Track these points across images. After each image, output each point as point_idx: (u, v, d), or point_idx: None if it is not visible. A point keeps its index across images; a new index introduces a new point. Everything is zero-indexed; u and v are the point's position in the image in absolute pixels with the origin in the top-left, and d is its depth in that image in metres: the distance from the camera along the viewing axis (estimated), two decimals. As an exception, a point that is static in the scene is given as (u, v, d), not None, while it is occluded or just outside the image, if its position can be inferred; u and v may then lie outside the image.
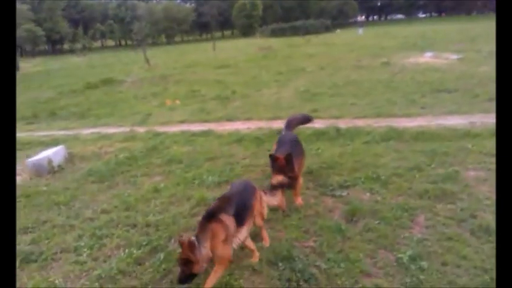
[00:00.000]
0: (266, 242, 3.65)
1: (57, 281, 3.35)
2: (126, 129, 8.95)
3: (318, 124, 7.77)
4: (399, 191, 4.54)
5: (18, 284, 3.39)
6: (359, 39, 31.23)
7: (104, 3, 79.74)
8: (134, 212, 4.59)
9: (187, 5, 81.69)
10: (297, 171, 4.19)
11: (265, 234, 3.69)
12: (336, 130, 7.02)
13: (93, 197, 5.19)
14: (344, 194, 4.63)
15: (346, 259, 3.38)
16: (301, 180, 4.47)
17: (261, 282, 3.20)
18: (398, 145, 6.11)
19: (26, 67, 35.41)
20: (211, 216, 2.96)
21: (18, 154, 7.44)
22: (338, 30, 51.01)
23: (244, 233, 3.23)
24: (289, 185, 4.07)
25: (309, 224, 4.01)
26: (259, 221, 3.51)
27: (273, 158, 4.02)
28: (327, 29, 54.06)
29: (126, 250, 3.77)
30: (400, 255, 3.36)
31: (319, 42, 31.46)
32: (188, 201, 4.77)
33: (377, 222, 3.93)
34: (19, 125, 10.64)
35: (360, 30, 39.58)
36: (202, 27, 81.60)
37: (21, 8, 48.93)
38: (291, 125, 5.09)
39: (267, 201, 3.63)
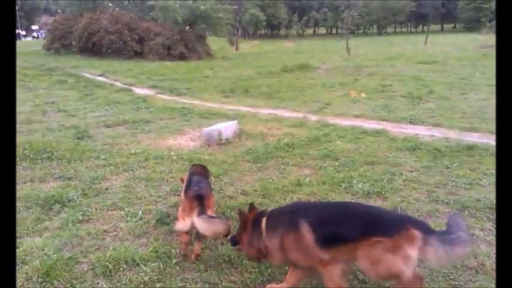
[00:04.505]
0: None
1: (173, 250, 3.43)
2: (300, 115, 8.88)
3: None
4: None
5: (147, 242, 3.62)
6: None
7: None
8: (269, 201, 4.37)
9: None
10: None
11: None
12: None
13: (241, 176, 5.24)
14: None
15: None
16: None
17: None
18: None
19: (245, 47, 40.34)
20: None
21: (204, 122, 8.36)
22: None
23: None
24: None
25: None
26: None
27: (241, 215, 3.05)
28: None
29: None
30: None
31: None
32: (326, 205, 4.24)
33: None
34: (217, 97, 12.04)
35: None
36: (419, 18, 75.30)
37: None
38: None
39: None
